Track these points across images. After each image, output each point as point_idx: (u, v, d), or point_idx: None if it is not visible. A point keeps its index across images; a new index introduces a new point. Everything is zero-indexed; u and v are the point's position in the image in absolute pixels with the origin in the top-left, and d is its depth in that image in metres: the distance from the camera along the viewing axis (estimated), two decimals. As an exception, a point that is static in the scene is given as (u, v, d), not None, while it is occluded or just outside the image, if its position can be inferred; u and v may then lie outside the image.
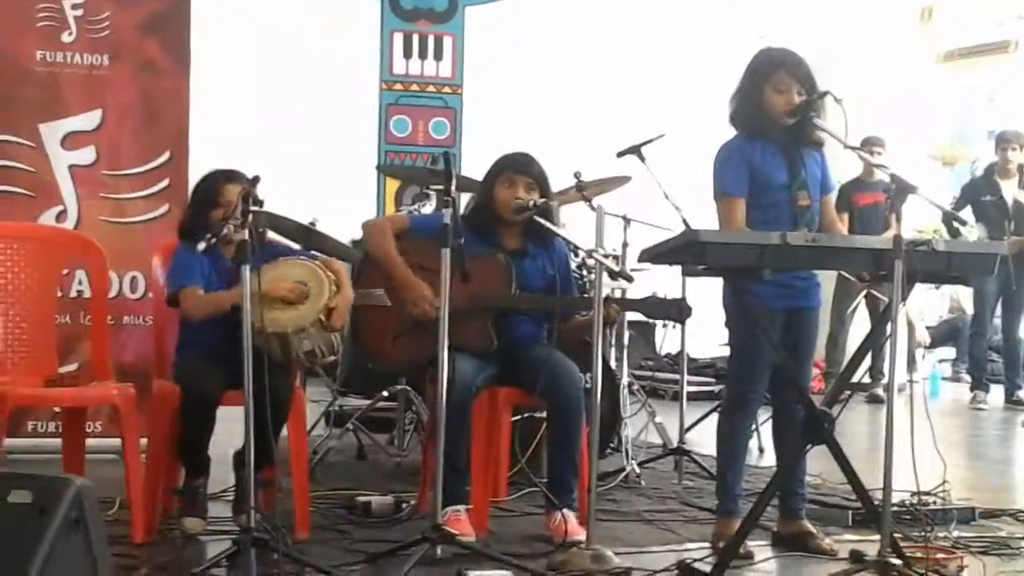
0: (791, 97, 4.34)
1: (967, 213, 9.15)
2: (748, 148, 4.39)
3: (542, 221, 4.65)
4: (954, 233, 7.96)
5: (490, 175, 4.78)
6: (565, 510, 4.45)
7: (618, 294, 5.97)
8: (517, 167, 4.73)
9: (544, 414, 4.92)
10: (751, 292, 4.17)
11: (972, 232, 8.96)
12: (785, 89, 4.34)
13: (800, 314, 4.46)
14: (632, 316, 5.56)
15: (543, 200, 4.70)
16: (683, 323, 6.00)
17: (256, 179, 4.08)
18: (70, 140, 5.85)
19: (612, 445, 5.90)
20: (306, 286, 4.51)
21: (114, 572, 3.41)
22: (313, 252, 4.92)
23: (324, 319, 4.45)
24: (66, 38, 5.87)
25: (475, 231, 4.48)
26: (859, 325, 9.36)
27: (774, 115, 4.36)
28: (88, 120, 5.89)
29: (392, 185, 7.60)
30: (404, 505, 4.83)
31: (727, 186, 4.38)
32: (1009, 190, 9.23)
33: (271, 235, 4.68)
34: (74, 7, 5.89)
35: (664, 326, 7.16)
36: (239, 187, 4.48)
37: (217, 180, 4.66)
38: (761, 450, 6.48)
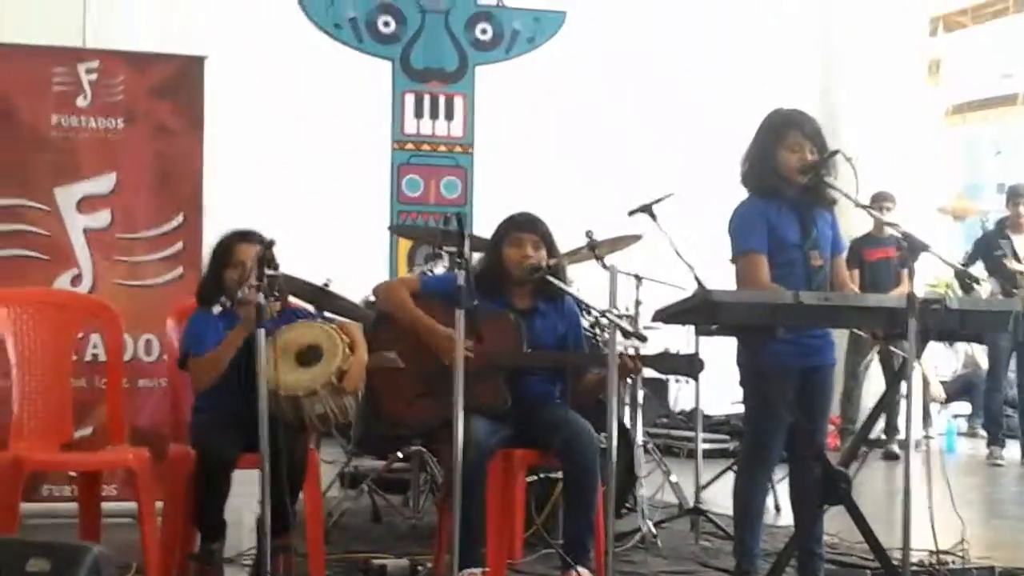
0: (803, 156, 4.36)
1: (979, 268, 9.13)
2: (764, 207, 4.40)
3: (552, 280, 4.66)
4: (967, 289, 7.94)
5: (497, 236, 4.81)
6: (581, 569, 4.43)
7: (631, 352, 5.96)
8: (523, 227, 4.76)
9: (559, 474, 4.91)
10: (766, 350, 4.18)
11: (985, 287, 8.95)
12: (798, 149, 4.37)
13: (815, 372, 4.46)
14: (646, 373, 5.56)
15: (555, 260, 4.73)
16: (696, 379, 6.01)
17: (272, 242, 4.11)
18: (85, 204, 5.89)
19: (627, 505, 5.87)
20: (319, 349, 4.52)
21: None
22: (327, 314, 4.94)
23: (336, 382, 4.45)
24: (81, 102, 5.92)
25: (485, 291, 4.49)
26: (873, 381, 9.33)
27: (787, 175, 4.38)
28: (103, 183, 5.93)
29: (404, 245, 7.64)
30: (420, 568, 4.81)
31: (749, 242, 4.39)
32: (1021, 244, 9.22)
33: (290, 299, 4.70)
34: (89, 72, 5.95)
35: (677, 382, 7.16)
36: (253, 247, 4.52)
37: (231, 240, 4.70)
38: (778, 508, 6.44)
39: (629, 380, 5.94)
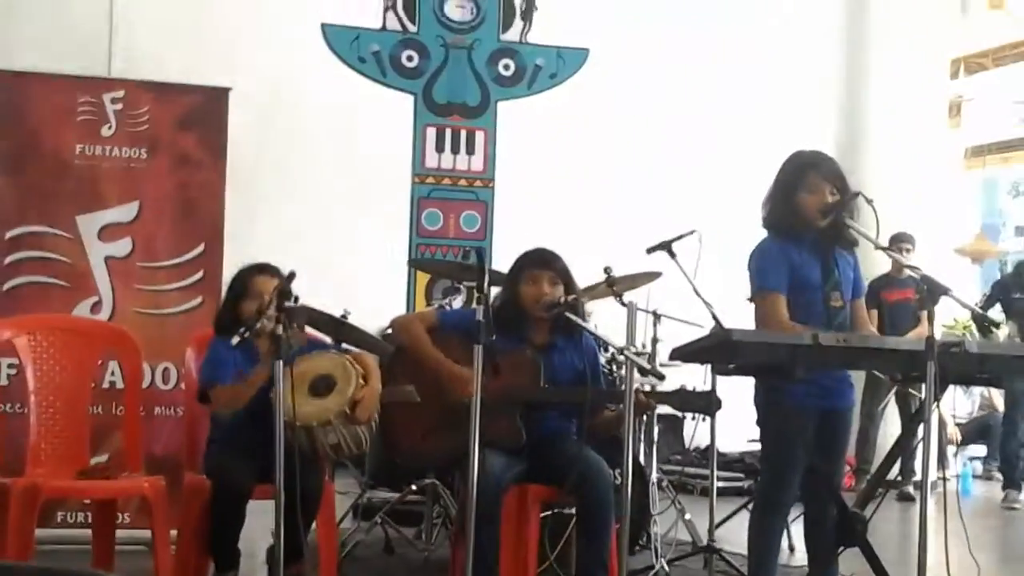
0: (823, 197, 4.36)
1: (996, 310, 9.11)
2: (785, 247, 4.40)
3: (571, 316, 4.67)
4: (985, 332, 7.94)
5: (513, 273, 4.82)
6: (595, 608, 4.42)
7: (648, 388, 5.96)
8: (539, 263, 4.77)
9: (573, 510, 4.90)
10: (784, 391, 4.17)
11: (1003, 331, 8.93)
12: (817, 190, 4.37)
13: (833, 415, 4.44)
14: (661, 410, 5.55)
15: (573, 297, 4.73)
16: (713, 416, 5.99)
17: (292, 275, 4.13)
18: (107, 232, 5.93)
19: (641, 542, 5.85)
20: (332, 379, 4.53)
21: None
22: (344, 346, 4.95)
23: (349, 411, 4.47)
24: (105, 132, 5.98)
25: (502, 327, 4.49)
26: (889, 423, 9.29)
27: (808, 216, 4.38)
28: (125, 212, 5.97)
29: (422, 278, 7.63)
30: (432, 602, 4.80)
31: (768, 282, 4.38)
32: None
33: (308, 330, 4.72)
34: (114, 101, 6.00)
35: (693, 419, 7.13)
36: (270, 279, 4.57)
37: (248, 272, 4.74)
38: (791, 548, 6.40)
39: (644, 417, 5.93)
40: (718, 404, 4.70)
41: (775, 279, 4.36)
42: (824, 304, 4.39)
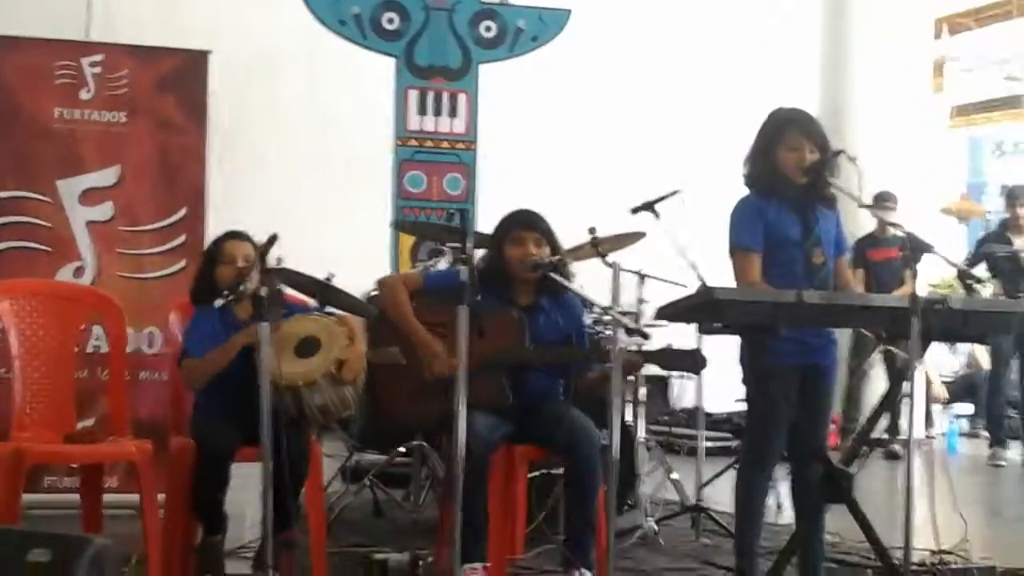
0: (803, 155, 4.35)
1: (981, 269, 9.13)
2: (763, 204, 4.40)
3: (556, 276, 4.66)
4: (969, 289, 7.95)
5: (498, 234, 4.80)
6: (582, 568, 4.43)
7: (634, 349, 5.96)
8: (524, 224, 4.76)
9: (561, 470, 4.91)
10: (768, 349, 4.18)
11: (987, 289, 8.94)
12: (798, 147, 4.36)
13: (816, 372, 4.45)
14: (648, 370, 5.56)
15: (558, 257, 4.72)
16: (699, 375, 6.00)
17: (273, 238, 4.11)
18: (88, 196, 5.90)
19: (629, 502, 5.87)
20: (317, 340, 4.52)
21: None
22: (328, 308, 4.94)
23: (336, 371, 4.46)
24: (84, 95, 5.94)
25: (488, 289, 4.48)
26: (875, 381, 9.33)
27: (788, 174, 4.38)
28: (106, 176, 5.94)
29: (407, 241, 7.62)
30: (421, 562, 4.81)
31: (742, 240, 4.39)
32: (1023, 245, 9.23)
33: (288, 291, 4.70)
34: (92, 65, 5.96)
35: (680, 379, 7.15)
36: (243, 243, 4.57)
37: (220, 239, 4.74)
38: (779, 507, 6.42)
39: (631, 378, 5.93)
40: (703, 362, 4.69)
41: (749, 236, 4.36)
42: (805, 261, 4.38)
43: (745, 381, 4.47)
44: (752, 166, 4.48)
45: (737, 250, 4.40)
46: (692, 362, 4.73)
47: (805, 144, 4.37)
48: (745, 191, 4.51)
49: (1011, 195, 9.49)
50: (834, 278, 4.49)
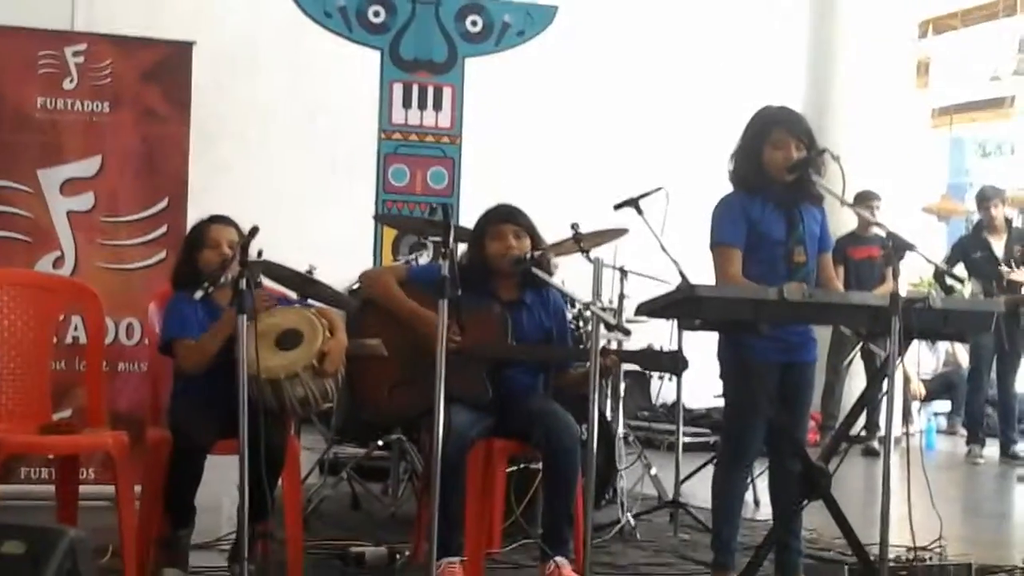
0: (789, 153, 4.36)
1: (960, 269, 9.16)
2: (747, 202, 4.40)
3: (538, 272, 4.65)
4: (948, 290, 7.98)
5: (478, 229, 4.79)
6: (559, 558, 4.43)
7: (614, 346, 5.97)
8: (504, 218, 4.75)
9: (539, 465, 4.91)
10: (748, 346, 4.19)
11: (966, 288, 8.98)
12: (783, 145, 4.36)
13: (796, 368, 4.46)
14: (628, 366, 5.57)
15: (540, 252, 4.72)
16: (679, 375, 6.01)
17: (255, 230, 4.09)
18: (69, 186, 5.87)
19: (607, 496, 5.88)
20: (298, 333, 4.51)
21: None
22: (310, 300, 4.93)
23: (317, 364, 4.44)
24: (67, 85, 5.90)
25: (470, 285, 4.46)
26: (855, 378, 9.35)
27: (773, 171, 4.38)
28: (87, 167, 5.91)
29: (389, 234, 7.60)
30: (398, 556, 4.81)
31: (724, 236, 4.39)
32: (999, 245, 9.27)
33: (267, 283, 4.69)
34: (76, 55, 5.93)
35: (660, 377, 7.15)
36: (226, 227, 4.54)
37: (204, 223, 4.70)
38: (757, 503, 6.45)
39: (609, 379, 5.93)
40: (684, 364, 4.70)
41: (731, 233, 4.37)
42: (786, 260, 4.39)
43: (724, 376, 4.48)
44: (738, 163, 4.48)
45: (718, 245, 4.40)
46: (673, 363, 4.74)
47: (791, 142, 4.37)
48: (729, 188, 4.52)
49: (983, 196, 9.53)
50: (817, 274, 4.50)
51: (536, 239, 4.74)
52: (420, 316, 4.63)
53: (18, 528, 3.12)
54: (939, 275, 7.45)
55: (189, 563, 4.43)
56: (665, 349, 4.86)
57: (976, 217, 10.18)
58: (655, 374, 7.88)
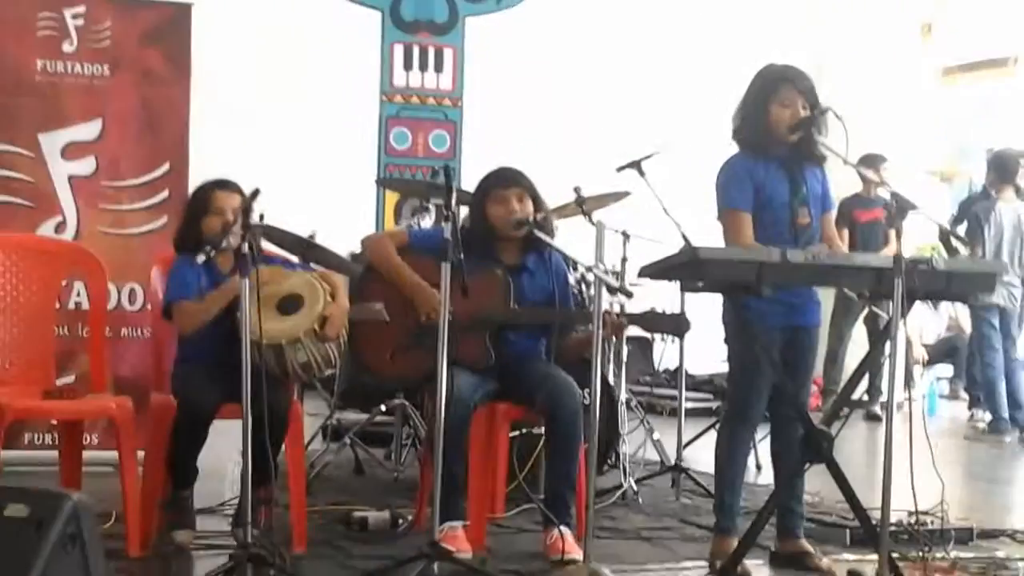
0: (796, 111, 4.34)
1: (964, 230, 9.11)
2: (751, 165, 4.38)
3: (540, 235, 4.63)
4: (952, 251, 7.95)
5: (479, 193, 4.77)
6: (562, 527, 4.43)
7: (617, 309, 5.96)
8: (505, 181, 4.72)
9: (542, 430, 4.91)
10: (750, 309, 4.18)
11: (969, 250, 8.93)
12: (790, 104, 4.34)
13: (799, 332, 4.45)
14: (631, 331, 5.57)
15: (542, 215, 4.70)
16: (682, 338, 6.01)
17: (256, 192, 4.08)
18: (70, 150, 5.85)
19: (610, 461, 5.88)
20: (299, 297, 4.50)
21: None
22: (311, 264, 4.92)
23: (318, 329, 4.44)
24: (67, 48, 5.87)
25: (473, 249, 4.45)
26: (857, 344, 9.34)
27: (779, 130, 4.35)
28: (88, 130, 5.88)
29: (391, 198, 7.59)
30: (401, 521, 4.82)
31: (733, 201, 4.36)
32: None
33: (268, 247, 4.68)
34: (75, 17, 5.88)
35: (663, 340, 7.14)
36: (231, 194, 4.53)
37: (209, 188, 4.68)
38: (759, 467, 6.46)
39: (614, 339, 5.93)
40: (687, 325, 4.69)
41: (740, 197, 4.35)
42: (790, 222, 4.38)
43: (727, 340, 4.48)
44: (742, 121, 4.45)
45: (728, 211, 4.38)
46: (676, 325, 4.73)
47: (798, 100, 4.35)
48: (731, 150, 4.49)
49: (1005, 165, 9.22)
50: (820, 235, 4.48)
51: (538, 202, 4.72)
52: (417, 288, 4.61)
53: (21, 491, 3.11)
54: (944, 236, 7.41)
55: (196, 522, 4.45)
56: (668, 312, 4.84)
57: (982, 178, 10.11)
58: (658, 338, 7.88)
